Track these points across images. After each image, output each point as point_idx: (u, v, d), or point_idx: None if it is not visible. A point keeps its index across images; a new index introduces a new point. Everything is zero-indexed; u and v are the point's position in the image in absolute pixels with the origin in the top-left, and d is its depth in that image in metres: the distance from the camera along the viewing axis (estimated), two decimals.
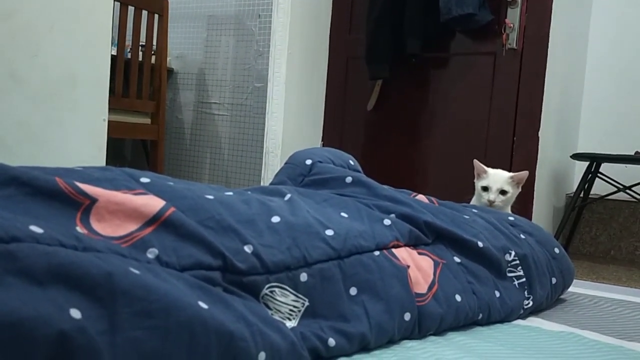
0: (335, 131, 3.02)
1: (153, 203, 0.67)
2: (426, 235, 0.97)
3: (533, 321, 1.00)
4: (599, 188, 2.83)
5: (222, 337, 0.60)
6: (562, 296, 1.19)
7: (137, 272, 0.56)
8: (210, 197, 0.76)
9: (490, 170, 1.39)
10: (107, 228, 0.62)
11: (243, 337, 0.61)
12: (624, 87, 3.03)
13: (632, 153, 2.71)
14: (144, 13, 2.67)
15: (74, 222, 0.61)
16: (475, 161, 1.41)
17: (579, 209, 2.94)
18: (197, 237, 0.67)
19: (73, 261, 0.53)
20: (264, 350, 0.64)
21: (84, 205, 0.62)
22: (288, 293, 0.73)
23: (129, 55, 2.71)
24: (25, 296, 0.48)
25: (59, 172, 0.65)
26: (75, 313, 0.50)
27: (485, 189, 1.35)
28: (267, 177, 2.83)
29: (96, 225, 0.62)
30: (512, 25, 2.48)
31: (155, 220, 0.66)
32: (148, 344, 0.54)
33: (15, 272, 0.49)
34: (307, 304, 0.74)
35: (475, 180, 1.44)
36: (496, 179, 1.34)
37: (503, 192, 1.32)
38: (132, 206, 0.65)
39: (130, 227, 0.64)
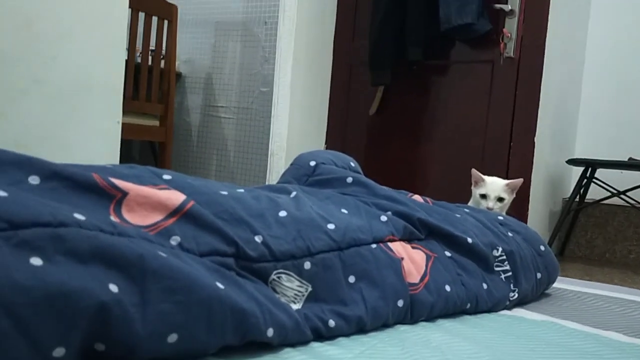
0: (338, 135, 3.11)
1: (175, 197, 0.76)
2: (419, 231, 1.05)
3: (517, 312, 1.09)
4: (595, 193, 2.91)
5: (236, 313, 0.68)
6: (547, 291, 1.27)
7: (164, 255, 0.65)
8: (225, 192, 0.85)
9: (487, 178, 1.46)
10: (136, 218, 0.71)
11: (254, 314, 0.70)
12: (620, 94, 3.12)
13: (626, 159, 2.80)
14: (154, 19, 2.77)
15: (108, 212, 0.69)
16: (473, 170, 1.48)
17: (575, 212, 3.02)
18: (214, 227, 0.76)
19: (111, 244, 0.61)
20: (272, 327, 0.72)
21: (117, 198, 0.71)
22: (293, 279, 0.82)
23: (139, 60, 2.81)
24: (72, 272, 0.57)
25: (93, 168, 0.74)
26: (113, 287, 0.59)
27: (484, 196, 1.42)
28: (271, 179, 2.92)
29: (127, 215, 0.71)
30: (509, 34, 2.57)
31: (177, 212, 0.75)
32: (173, 317, 0.63)
33: (64, 252, 0.58)
34: (310, 289, 0.83)
35: (472, 188, 1.51)
36: (494, 187, 1.41)
37: (500, 199, 1.40)
38: (158, 199, 0.74)
39: (156, 218, 0.73)
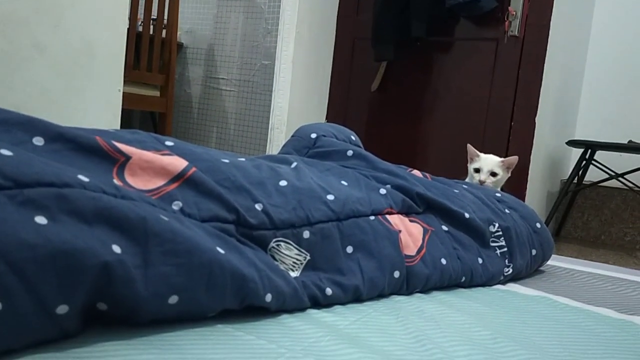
0: (339, 110, 3.10)
1: (177, 163, 0.77)
2: (418, 205, 1.06)
3: (511, 286, 1.11)
4: (593, 175, 2.92)
5: (235, 278, 0.70)
6: (541, 268, 1.29)
7: (166, 218, 0.66)
8: (226, 160, 0.86)
9: (482, 154, 1.47)
10: (138, 182, 0.72)
11: (253, 280, 0.72)
12: (623, 77, 3.11)
13: (626, 142, 2.80)
14: None
15: (111, 175, 0.70)
16: (469, 145, 1.48)
17: (572, 194, 3.04)
18: (215, 194, 0.77)
19: (114, 206, 0.62)
20: (270, 292, 0.74)
21: (120, 161, 0.72)
22: (292, 247, 0.83)
23: (141, 29, 2.79)
24: (76, 231, 0.58)
25: (97, 132, 0.75)
26: (116, 248, 0.60)
27: (477, 170, 1.43)
28: (271, 152, 2.92)
29: (130, 179, 0.71)
30: (514, 12, 2.55)
31: (180, 177, 0.76)
32: (174, 279, 0.64)
33: (68, 212, 0.59)
34: (308, 258, 0.84)
35: (468, 164, 1.51)
36: (487, 162, 1.42)
37: (493, 173, 1.40)
38: (160, 164, 0.75)
39: (158, 182, 0.73)
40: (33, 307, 0.54)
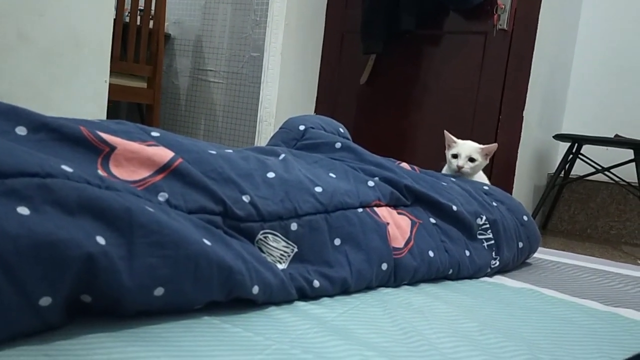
0: (328, 103, 3.10)
1: (163, 154, 0.76)
2: (406, 198, 1.06)
3: (498, 279, 1.11)
4: (580, 169, 2.94)
5: (222, 270, 0.69)
6: (527, 260, 1.30)
7: (151, 210, 0.65)
8: (213, 152, 0.85)
9: (459, 140, 1.46)
10: (124, 173, 0.71)
11: (240, 272, 0.71)
12: (611, 71, 3.12)
13: (613, 136, 2.82)
14: None
15: (95, 166, 0.69)
16: (446, 132, 1.47)
17: (559, 188, 3.06)
18: (202, 185, 0.76)
19: (98, 196, 0.62)
20: (257, 284, 0.73)
21: (105, 152, 0.71)
22: (280, 239, 0.83)
23: (128, 20, 2.76)
24: (60, 222, 0.57)
25: (81, 122, 0.74)
26: (100, 240, 0.59)
27: (455, 156, 1.42)
28: (259, 144, 2.90)
29: (114, 170, 0.71)
30: (503, 6, 2.55)
31: (166, 168, 0.75)
32: (160, 271, 0.64)
33: (51, 202, 0.58)
34: (296, 250, 0.84)
35: (446, 151, 1.50)
36: (465, 148, 1.40)
37: (472, 159, 1.39)
38: (146, 155, 0.74)
39: (144, 173, 0.72)
40: (15, 299, 0.53)
